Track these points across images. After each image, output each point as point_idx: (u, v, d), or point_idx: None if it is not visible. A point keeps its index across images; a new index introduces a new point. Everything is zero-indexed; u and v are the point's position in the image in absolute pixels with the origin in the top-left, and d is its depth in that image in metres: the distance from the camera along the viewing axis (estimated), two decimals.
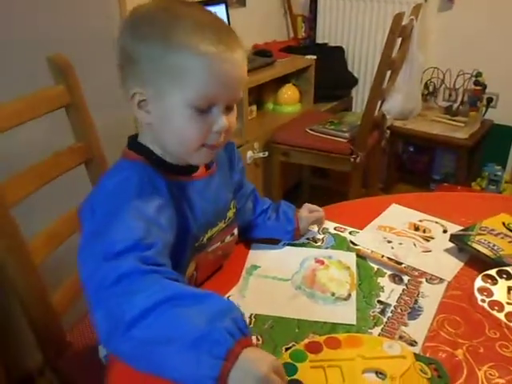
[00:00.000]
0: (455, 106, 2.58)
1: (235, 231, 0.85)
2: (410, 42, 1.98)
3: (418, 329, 0.71)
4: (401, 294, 0.79)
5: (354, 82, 2.81)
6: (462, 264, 0.86)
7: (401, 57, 1.99)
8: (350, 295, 0.78)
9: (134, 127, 1.47)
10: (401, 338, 0.69)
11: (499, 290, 0.77)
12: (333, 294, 0.79)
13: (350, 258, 0.88)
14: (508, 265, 0.81)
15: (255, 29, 2.52)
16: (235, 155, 0.86)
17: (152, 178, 0.66)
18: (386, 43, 1.81)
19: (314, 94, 2.58)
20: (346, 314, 0.74)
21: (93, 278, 0.57)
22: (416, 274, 0.84)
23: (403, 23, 1.84)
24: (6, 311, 1.22)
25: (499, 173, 2.48)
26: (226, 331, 0.51)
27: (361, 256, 0.89)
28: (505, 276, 0.79)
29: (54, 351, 0.88)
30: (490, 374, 0.62)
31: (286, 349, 0.66)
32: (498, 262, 0.82)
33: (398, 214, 1.03)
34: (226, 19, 2.02)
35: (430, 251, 0.91)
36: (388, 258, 0.88)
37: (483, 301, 0.75)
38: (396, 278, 0.83)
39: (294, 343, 0.67)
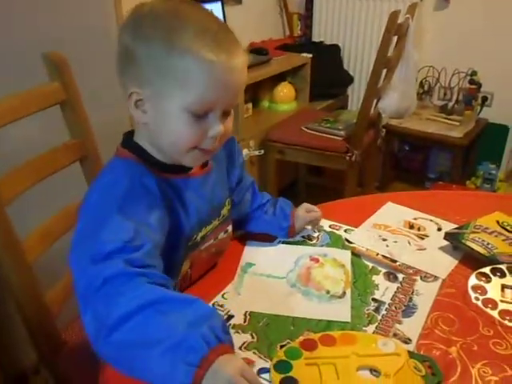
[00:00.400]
0: (450, 104, 2.59)
1: (229, 228, 0.85)
2: (405, 41, 1.99)
3: (412, 326, 0.71)
4: (395, 292, 0.79)
5: (349, 80, 2.81)
6: (456, 262, 0.87)
7: (396, 55, 2.00)
8: (344, 293, 0.79)
9: (129, 124, 1.47)
10: (395, 335, 0.69)
11: (493, 288, 0.77)
12: (328, 292, 0.79)
13: (345, 256, 0.88)
14: (502, 263, 0.82)
15: (251, 27, 2.52)
16: (236, 150, 0.85)
17: (143, 177, 0.66)
18: (381, 41, 1.82)
19: (310, 92, 2.58)
20: (341, 311, 0.74)
21: (81, 280, 0.57)
22: (410, 271, 0.84)
23: (399, 21, 1.84)
24: (0, 309, 1.22)
25: (494, 171, 2.49)
26: (201, 338, 0.51)
27: (356, 254, 0.89)
28: (498, 274, 0.80)
29: (49, 349, 0.88)
30: (484, 372, 0.63)
31: (281, 346, 0.66)
32: (491, 260, 0.83)
33: (393, 212, 1.03)
34: (221, 17, 2.02)
35: (424, 249, 0.91)
36: (383, 255, 0.88)
37: (477, 299, 0.76)
38: (391, 276, 0.83)
39: (288, 341, 0.67)
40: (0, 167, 0.80)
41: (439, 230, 0.96)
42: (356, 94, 2.83)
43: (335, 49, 2.77)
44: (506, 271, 0.80)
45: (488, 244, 0.86)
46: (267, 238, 0.93)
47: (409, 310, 0.75)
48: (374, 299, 0.77)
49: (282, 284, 0.81)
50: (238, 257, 0.88)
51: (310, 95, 2.59)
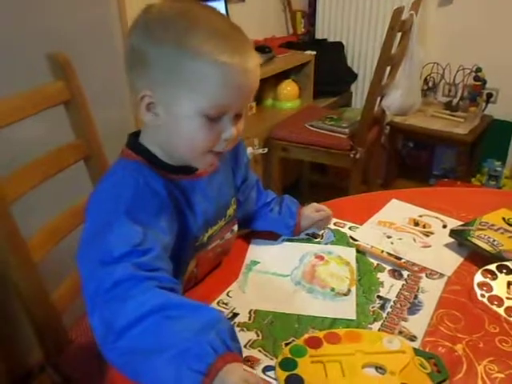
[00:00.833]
0: (455, 101, 2.58)
1: (235, 227, 0.85)
2: (409, 37, 1.98)
3: (417, 324, 0.71)
4: (400, 289, 0.79)
5: (353, 77, 2.81)
6: (461, 259, 0.86)
7: (400, 52, 1.99)
8: (349, 290, 0.79)
9: (134, 124, 1.47)
10: (400, 333, 0.69)
11: (499, 285, 0.77)
12: (332, 290, 0.79)
13: (350, 254, 0.88)
14: (508, 260, 0.81)
15: (254, 24, 2.52)
16: (241, 150, 0.85)
17: (150, 179, 0.65)
18: (385, 38, 1.81)
19: (314, 89, 2.58)
20: (346, 309, 0.74)
21: (89, 283, 0.57)
22: (416, 269, 0.84)
23: (403, 18, 1.84)
24: (6, 308, 1.23)
25: (499, 168, 2.47)
26: (209, 345, 0.50)
27: (360, 251, 0.89)
28: (504, 271, 0.79)
29: (55, 348, 0.88)
30: (490, 369, 0.63)
31: (286, 344, 0.66)
32: (497, 257, 0.82)
33: (397, 210, 1.03)
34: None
35: (429, 246, 0.91)
36: (388, 253, 0.88)
37: (483, 296, 0.75)
38: (396, 273, 0.83)
39: (293, 338, 0.67)
40: (5, 166, 0.80)
41: (444, 227, 0.96)
42: (360, 92, 2.82)
43: (339, 46, 2.77)
44: None
45: (494, 241, 0.86)
46: (272, 236, 0.93)
47: (414, 308, 0.74)
48: (379, 296, 0.77)
49: (287, 282, 0.81)
50: (243, 255, 0.88)
51: (314, 93, 2.59)
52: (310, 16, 2.89)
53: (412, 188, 1.22)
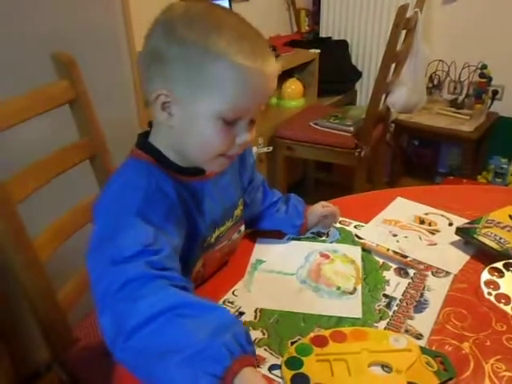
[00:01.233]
0: (460, 98, 2.56)
1: (242, 228, 0.85)
2: (414, 35, 1.97)
3: (423, 322, 0.71)
4: (406, 288, 0.78)
5: (358, 75, 2.80)
6: (468, 257, 0.86)
7: (405, 49, 1.98)
8: (355, 289, 0.78)
9: (138, 123, 1.47)
10: (407, 331, 0.69)
11: (506, 283, 0.77)
12: (338, 288, 0.79)
13: (356, 252, 0.88)
14: None
15: (258, 23, 2.45)
16: (247, 151, 0.85)
17: (160, 180, 0.65)
18: (390, 36, 1.80)
19: (318, 88, 2.57)
20: (352, 307, 0.74)
21: (100, 282, 0.56)
22: (422, 267, 0.84)
23: (407, 15, 1.83)
24: (13, 307, 1.23)
25: (505, 165, 2.46)
26: (225, 347, 0.49)
27: (366, 250, 0.88)
28: (511, 269, 0.79)
29: (61, 347, 0.88)
30: (497, 367, 0.62)
31: (292, 343, 0.66)
32: (504, 255, 0.82)
33: (403, 208, 1.03)
34: None
35: (435, 244, 0.90)
36: (393, 251, 0.87)
37: (490, 294, 0.75)
38: (401, 272, 0.83)
39: (299, 337, 0.67)
40: (11, 167, 0.81)
41: (450, 224, 0.96)
42: (364, 90, 2.81)
43: (343, 44, 2.76)
44: None
45: (500, 238, 0.85)
46: (277, 235, 0.93)
47: (420, 306, 0.74)
48: (385, 295, 0.77)
49: (293, 280, 0.81)
50: (249, 254, 0.88)
51: (318, 91, 2.58)
52: (314, 14, 2.88)
53: (417, 186, 1.22)
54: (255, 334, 0.68)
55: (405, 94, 2.03)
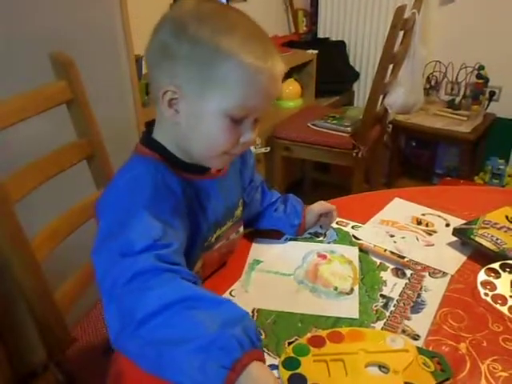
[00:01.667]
0: (457, 99, 2.57)
1: (240, 229, 0.86)
2: (411, 36, 1.97)
3: (420, 323, 0.71)
4: (403, 288, 0.79)
5: (355, 76, 2.80)
6: (464, 258, 0.86)
7: (403, 50, 1.98)
8: (352, 289, 0.78)
9: (135, 123, 1.47)
10: (404, 331, 0.69)
11: (502, 284, 0.77)
12: (335, 289, 0.79)
13: (353, 253, 0.88)
14: (511, 258, 0.81)
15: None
16: (248, 152, 0.86)
17: (166, 176, 0.65)
18: (387, 37, 1.80)
19: (316, 88, 2.58)
20: (349, 308, 0.74)
21: (108, 275, 0.56)
22: (419, 267, 0.84)
23: (405, 16, 1.83)
24: (10, 307, 1.23)
25: (502, 166, 2.46)
26: (235, 340, 0.49)
27: (363, 250, 0.89)
28: (508, 269, 0.79)
29: (58, 347, 0.88)
30: (494, 368, 0.62)
31: (289, 343, 0.66)
32: (501, 256, 0.82)
33: (400, 208, 1.03)
34: None
35: (432, 245, 0.90)
36: (391, 251, 0.87)
37: (486, 294, 0.75)
38: (399, 272, 0.83)
39: (296, 337, 0.67)
40: (8, 167, 0.81)
41: (447, 225, 0.96)
42: (362, 90, 2.82)
43: (341, 45, 2.76)
44: None
45: (497, 239, 0.85)
46: (275, 235, 0.93)
47: (417, 306, 0.74)
48: (382, 295, 0.77)
49: (290, 281, 0.81)
50: (246, 254, 0.88)
51: (316, 92, 2.59)
52: (312, 15, 2.89)
53: (415, 187, 1.22)
54: None
55: (402, 95, 2.03)
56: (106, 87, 1.32)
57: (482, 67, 2.47)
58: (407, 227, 0.96)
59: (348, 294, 0.78)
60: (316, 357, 0.62)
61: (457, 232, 0.90)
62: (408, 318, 0.72)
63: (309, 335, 0.67)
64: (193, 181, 0.70)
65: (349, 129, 2.03)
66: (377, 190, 2.13)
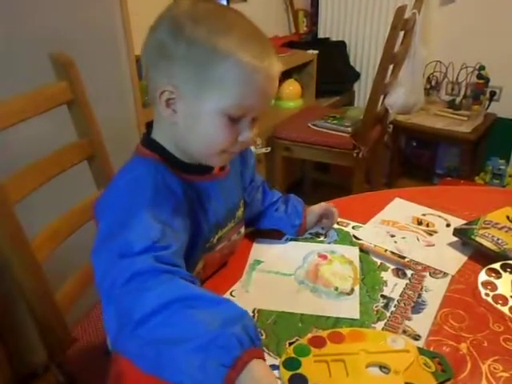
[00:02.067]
0: (458, 99, 2.57)
1: (242, 229, 0.86)
2: (412, 36, 1.97)
3: (421, 323, 0.71)
4: (404, 288, 0.78)
5: (356, 76, 2.80)
6: (465, 258, 0.86)
7: (403, 50, 1.98)
8: (353, 290, 0.78)
9: (136, 123, 1.47)
10: (404, 332, 0.69)
11: (503, 284, 0.77)
12: (336, 289, 0.79)
13: (353, 253, 0.88)
14: None
15: (256, 24, 2.51)
16: (249, 152, 0.86)
17: (166, 177, 0.65)
18: (388, 37, 1.81)
19: (316, 88, 2.58)
20: (350, 308, 0.74)
21: (107, 276, 0.56)
22: (419, 268, 0.84)
23: (405, 17, 1.83)
24: (10, 308, 1.23)
25: (503, 166, 2.47)
26: (235, 338, 0.49)
27: (364, 250, 0.88)
28: (509, 270, 0.79)
29: (59, 347, 0.88)
30: (494, 368, 0.62)
31: (290, 343, 0.66)
32: (502, 256, 0.82)
33: (401, 208, 1.03)
34: None
35: (433, 245, 0.90)
36: (391, 252, 0.87)
37: (487, 295, 0.75)
38: (399, 272, 0.83)
39: (297, 338, 0.67)
40: (8, 167, 0.81)
41: (448, 225, 0.96)
42: (362, 91, 2.82)
43: (341, 45, 2.76)
44: None
45: (498, 239, 0.85)
46: (275, 235, 0.93)
47: (418, 307, 0.74)
48: (382, 296, 0.77)
49: (291, 281, 0.81)
50: (247, 254, 0.88)
51: (316, 92, 2.59)
52: (313, 15, 2.89)
53: (415, 187, 1.22)
54: None
55: (403, 95, 2.03)
56: (106, 87, 1.32)
57: (482, 67, 2.47)
58: (408, 227, 0.96)
59: (349, 294, 0.78)
60: (317, 357, 0.62)
61: (457, 232, 0.90)
62: (409, 319, 0.72)
63: (309, 335, 0.67)
64: (193, 182, 0.70)
65: (349, 129, 2.03)
66: (377, 190, 2.12)
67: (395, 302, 0.75)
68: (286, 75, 2.41)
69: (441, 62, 2.61)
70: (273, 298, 0.76)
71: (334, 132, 2.06)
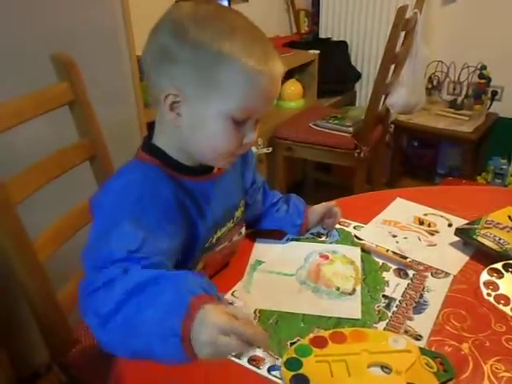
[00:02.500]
0: (460, 99, 2.57)
1: (242, 230, 0.85)
2: (413, 36, 1.97)
3: (423, 323, 0.71)
4: (406, 289, 0.78)
5: (357, 76, 2.80)
6: (467, 258, 0.86)
7: (404, 50, 1.98)
8: (354, 290, 0.78)
9: (138, 124, 1.47)
10: (406, 332, 0.69)
11: (505, 284, 0.77)
12: (338, 289, 0.79)
13: (355, 253, 0.88)
14: None
15: (257, 24, 2.47)
16: (250, 153, 0.85)
17: (160, 184, 0.65)
18: (389, 37, 1.80)
19: (318, 88, 2.57)
20: (351, 308, 0.74)
21: (84, 282, 0.57)
22: (421, 268, 0.84)
23: (407, 16, 1.83)
24: (13, 308, 1.23)
25: (505, 166, 2.46)
26: (187, 291, 0.50)
27: (365, 250, 0.88)
28: (511, 270, 0.79)
29: (61, 348, 0.88)
30: (496, 368, 0.62)
31: (291, 344, 0.66)
32: (503, 256, 0.82)
33: (402, 208, 1.03)
34: None
35: (435, 245, 0.90)
36: (393, 252, 0.87)
37: (489, 295, 0.75)
38: (401, 273, 0.83)
39: (299, 338, 0.67)
40: (10, 168, 0.81)
41: (450, 225, 0.96)
42: (364, 91, 2.82)
43: (343, 45, 2.76)
44: None
45: (500, 239, 0.85)
46: (277, 236, 0.93)
47: (420, 307, 0.74)
48: (384, 296, 0.77)
49: (292, 281, 0.81)
50: (248, 254, 0.88)
51: (318, 92, 2.58)
52: (314, 15, 2.88)
53: (417, 187, 1.22)
54: None
55: (404, 95, 2.03)
56: (107, 88, 1.32)
57: (484, 67, 2.46)
58: (409, 227, 0.96)
59: (350, 294, 0.78)
60: (318, 357, 0.62)
61: (459, 232, 0.90)
62: (410, 319, 0.72)
63: (311, 336, 0.67)
64: (190, 183, 0.70)
65: (351, 129, 2.03)
66: (379, 190, 2.12)
67: (397, 302, 0.75)
68: (287, 75, 2.39)
69: (442, 62, 2.60)
70: (274, 299, 0.76)
71: (335, 132, 2.06)
